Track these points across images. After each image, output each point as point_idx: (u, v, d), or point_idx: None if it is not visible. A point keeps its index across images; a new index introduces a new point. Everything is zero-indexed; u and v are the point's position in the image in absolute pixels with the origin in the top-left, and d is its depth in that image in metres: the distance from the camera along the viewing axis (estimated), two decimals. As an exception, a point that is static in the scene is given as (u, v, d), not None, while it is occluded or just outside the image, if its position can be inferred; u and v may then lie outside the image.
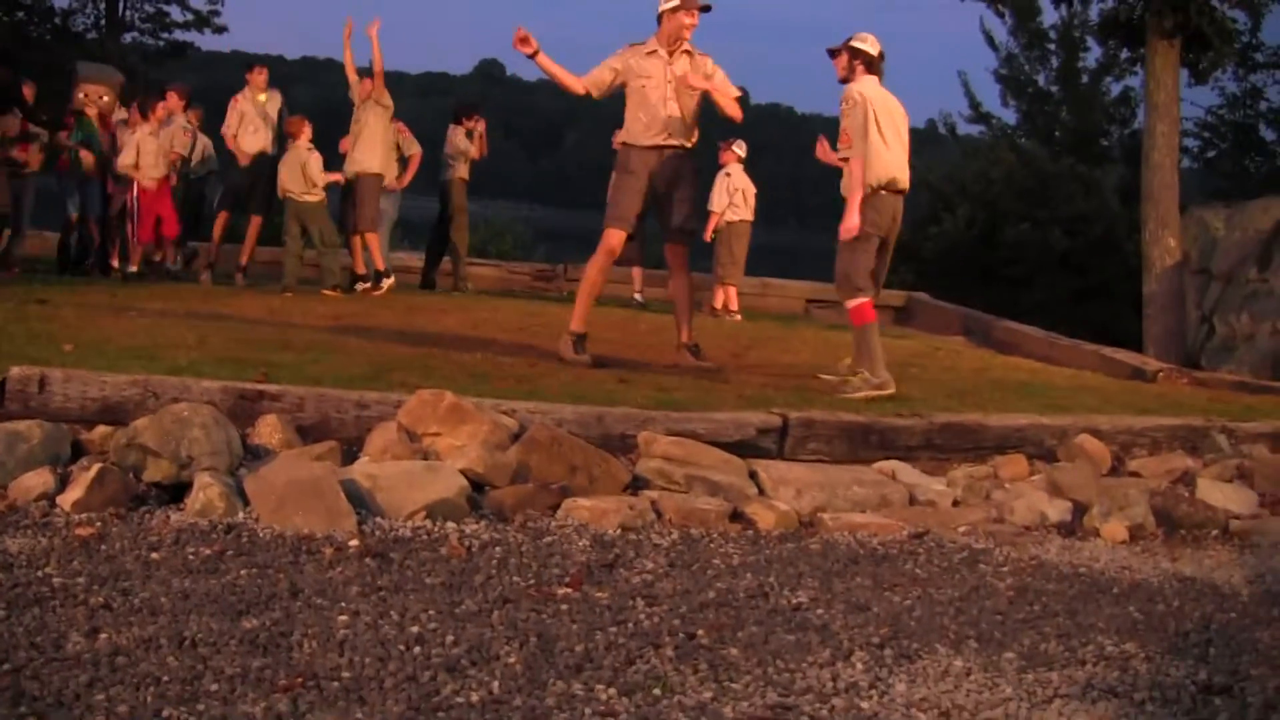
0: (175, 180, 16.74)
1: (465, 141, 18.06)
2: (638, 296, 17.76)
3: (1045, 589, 6.08)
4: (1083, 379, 12.27)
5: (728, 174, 17.59)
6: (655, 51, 10.40)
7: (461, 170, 18.17)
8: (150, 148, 16.13)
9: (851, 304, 10.02)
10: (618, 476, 7.08)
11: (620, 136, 10.75)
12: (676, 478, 7.15)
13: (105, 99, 16.22)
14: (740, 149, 17.89)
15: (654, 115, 10.36)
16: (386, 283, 15.95)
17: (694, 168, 10.70)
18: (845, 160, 10.07)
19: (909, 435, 8.33)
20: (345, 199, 16.49)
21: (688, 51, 10.46)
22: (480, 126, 18.36)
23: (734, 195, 17.52)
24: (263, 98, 16.96)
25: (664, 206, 10.52)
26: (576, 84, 10.57)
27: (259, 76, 17.14)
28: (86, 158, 15.95)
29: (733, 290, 17.62)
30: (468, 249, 18.96)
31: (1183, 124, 24.47)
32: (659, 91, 10.36)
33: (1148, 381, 12.62)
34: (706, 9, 10.44)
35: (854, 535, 6.79)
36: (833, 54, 10.30)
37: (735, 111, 10.63)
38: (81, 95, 15.98)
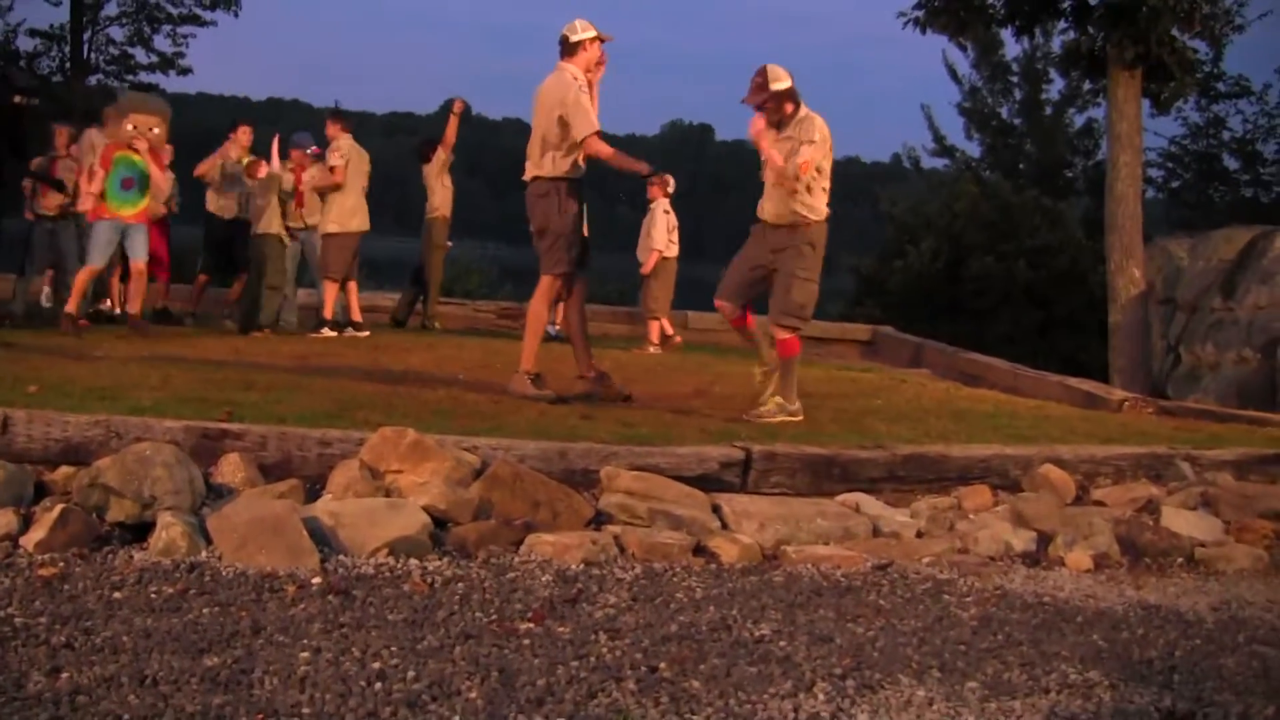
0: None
1: (440, 170, 18.13)
2: (552, 329, 17.83)
3: (1009, 618, 6.09)
4: (1047, 409, 12.29)
5: (667, 211, 17.73)
6: (589, 85, 10.44)
7: (442, 209, 18.22)
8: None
9: (791, 335, 10.09)
10: (580, 512, 7.08)
11: (558, 169, 10.46)
12: (639, 512, 7.14)
13: (156, 130, 15.01)
14: (669, 185, 18.00)
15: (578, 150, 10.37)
16: (326, 331, 15.90)
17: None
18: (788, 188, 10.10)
19: (872, 467, 8.34)
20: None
21: None
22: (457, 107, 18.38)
23: (672, 233, 17.67)
24: (245, 161, 16.91)
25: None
26: (609, 149, 10.55)
27: (243, 136, 17.06)
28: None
29: (666, 321, 17.85)
30: (439, 288, 18.98)
31: (1146, 154, 24.70)
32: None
33: (1113, 411, 12.65)
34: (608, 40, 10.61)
35: (817, 567, 6.79)
36: (760, 105, 10.17)
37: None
38: (130, 127, 14.70)
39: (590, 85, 10.41)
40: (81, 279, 14.59)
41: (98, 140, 15.34)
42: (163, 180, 15.30)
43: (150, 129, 14.81)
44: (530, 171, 10.50)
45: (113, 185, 14.39)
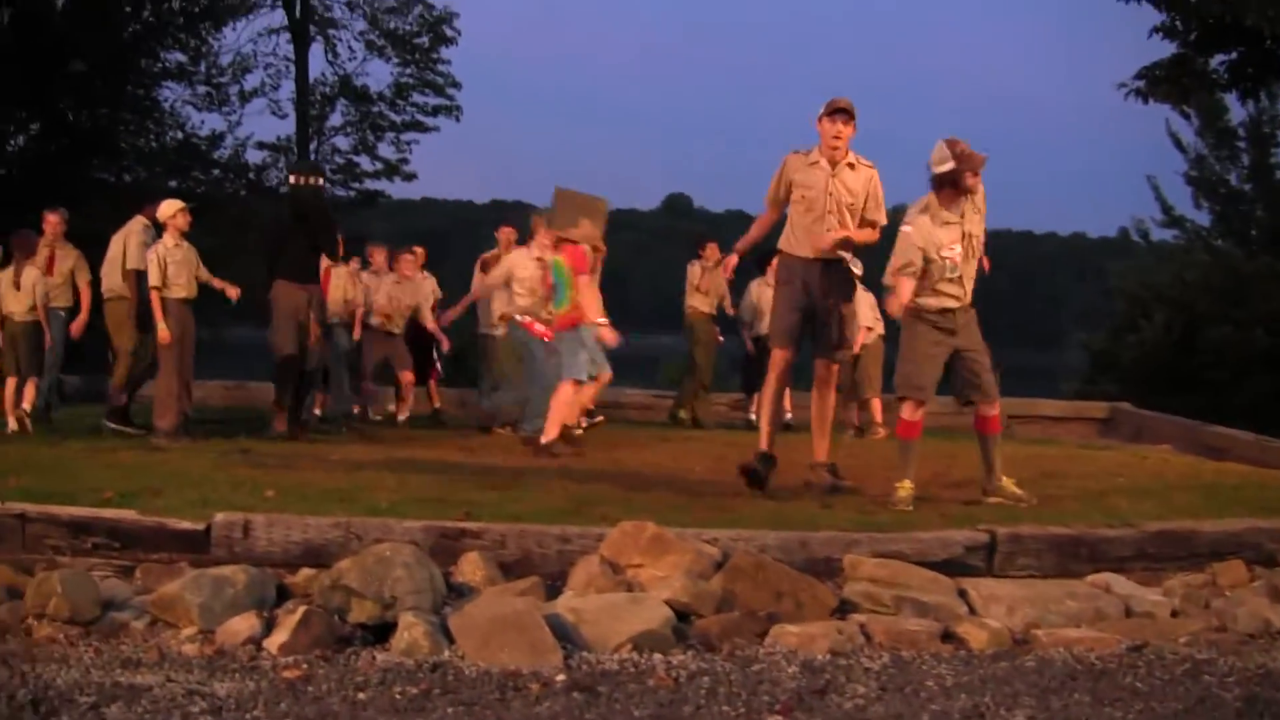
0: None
1: (694, 274, 18.21)
2: (752, 416, 17.63)
3: (1275, 699, 5.87)
4: (1298, 480, 11.91)
5: (867, 290, 17.52)
6: (818, 162, 10.30)
7: (699, 305, 18.29)
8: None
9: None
10: (824, 601, 6.97)
11: (780, 245, 10.59)
12: (884, 600, 7.03)
13: (587, 228, 13.72)
14: (857, 267, 17.74)
15: (814, 226, 10.26)
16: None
17: (852, 281, 10.61)
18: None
19: (1120, 546, 8.14)
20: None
21: (850, 164, 10.34)
22: (711, 253, 18.37)
23: (874, 310, 17.47)
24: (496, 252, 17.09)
25: (821, 320, 10.43)
26: (764, 219, 10.55)
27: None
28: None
29: (879, 403, 17.50)
30: (697, 382, 18.81)
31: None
32: (820, 204, 10.24)
33: (1370, 479, 12.21)
34: (845, 113, 10.25)
35: (1070, 651, 6.62)
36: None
37: (870, 238, 10.59)
38: (590, 229, 13.63)
39: (834, 164, 10.30)
40: (586, 391, 13.83)
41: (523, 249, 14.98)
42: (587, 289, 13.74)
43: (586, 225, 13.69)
44: None
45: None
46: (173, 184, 32.42)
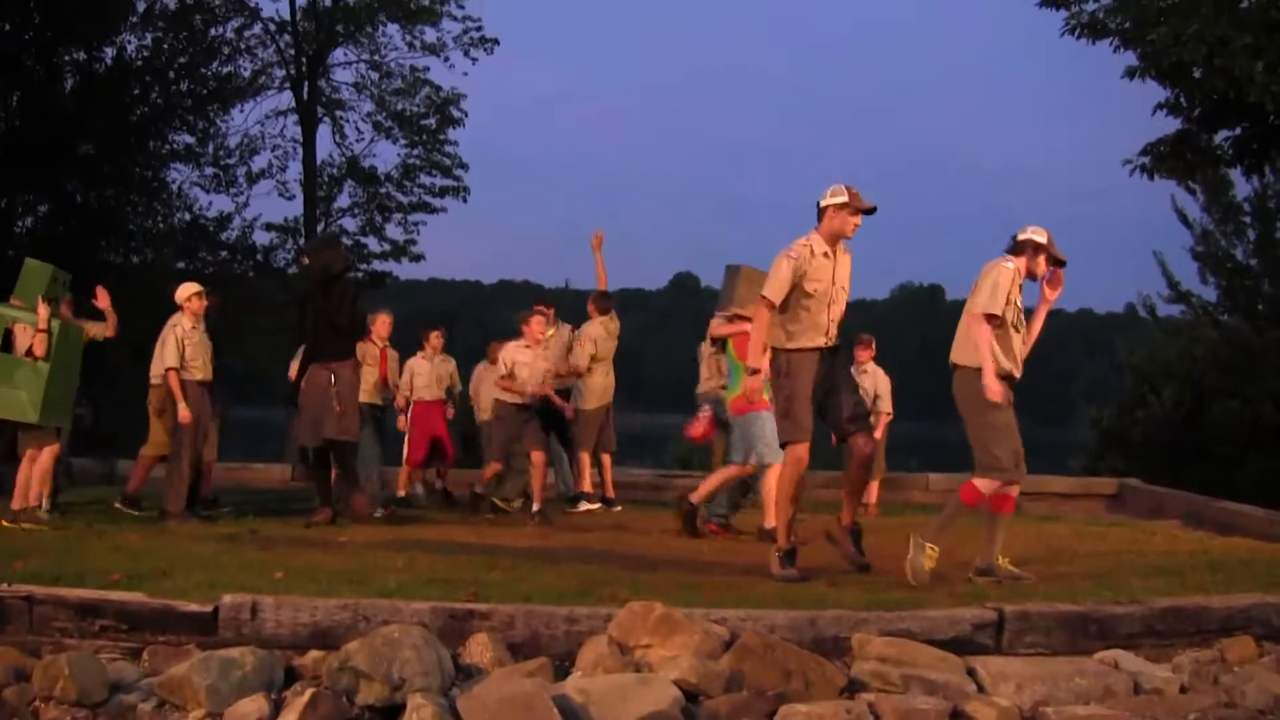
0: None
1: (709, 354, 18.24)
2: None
3: (1285, 775, 5.86)
4: (1308, 555, 11.88)
5: (886, 375, 17.52)
6: (826, 253, 10.23)
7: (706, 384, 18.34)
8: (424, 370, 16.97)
9: None
10: (833, 680, 6.97)
11: (777, 339, 10.34)
12: (893, 678, 7.02)
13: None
14: (871, 347, 17.74)
15: (818, 317, 10.22)
16: (584, 506, 15.99)
17: (845, 361, 10.67)
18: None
19: (1128, 622, 8.12)
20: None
21: (843, 249, 10.39)
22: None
23: (887, 388, 17.49)
24: (551, 332, 17.15)
25: (832, 405, 10.35)
26: (765, 321, 10.38)
27: (537, 318, 17.32)
28: None
29: (877, 485, 17.48)
30: (719, 459, 18.78)
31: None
32: (827, 294, 10.22)
33: (1382, 554, 12.18)
34: (871, 211, 10.32)
35: (1079, 729, 6.61)
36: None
37: None
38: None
39: (837, 253, 10.30)
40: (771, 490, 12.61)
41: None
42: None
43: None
44: None
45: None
46: (180, 265, 32.61)
